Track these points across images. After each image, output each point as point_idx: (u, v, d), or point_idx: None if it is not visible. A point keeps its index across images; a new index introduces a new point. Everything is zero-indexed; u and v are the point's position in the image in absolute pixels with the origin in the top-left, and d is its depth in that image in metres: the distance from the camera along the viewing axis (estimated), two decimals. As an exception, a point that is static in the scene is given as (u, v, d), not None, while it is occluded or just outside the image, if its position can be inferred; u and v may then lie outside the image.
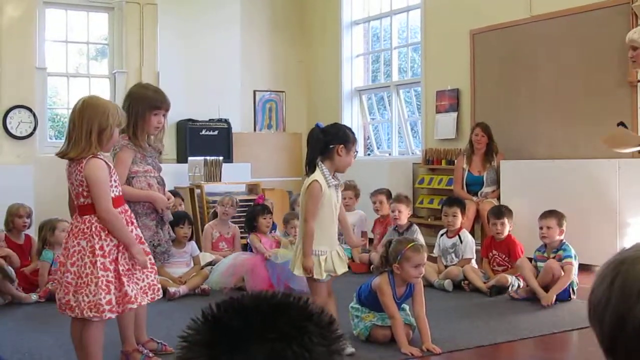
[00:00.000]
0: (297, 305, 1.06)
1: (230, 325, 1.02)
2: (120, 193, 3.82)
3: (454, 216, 6.91)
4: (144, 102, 4.31)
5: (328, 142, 4.47)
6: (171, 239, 4.66)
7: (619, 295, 1.27)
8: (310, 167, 4.50)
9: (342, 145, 4.47)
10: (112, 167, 3.78)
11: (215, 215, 7.71)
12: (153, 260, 3.98)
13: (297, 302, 1.07)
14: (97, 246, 3.64)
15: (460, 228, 6.96)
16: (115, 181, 3.77)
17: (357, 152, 4.70)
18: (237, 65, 11.14)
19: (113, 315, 3.68)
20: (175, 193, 8.04)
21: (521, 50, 8.52)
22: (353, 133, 4.63)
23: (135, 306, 3.76)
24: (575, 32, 7.93)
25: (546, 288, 5.94)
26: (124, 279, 3.67)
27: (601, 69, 7.71)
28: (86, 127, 3.64)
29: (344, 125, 4.75)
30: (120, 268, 3.68)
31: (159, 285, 3.94)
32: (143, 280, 3.81)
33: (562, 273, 5.94)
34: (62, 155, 3.72)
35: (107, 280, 3.63)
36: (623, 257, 1.32)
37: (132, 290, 3.69)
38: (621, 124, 6.60)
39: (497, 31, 8.79)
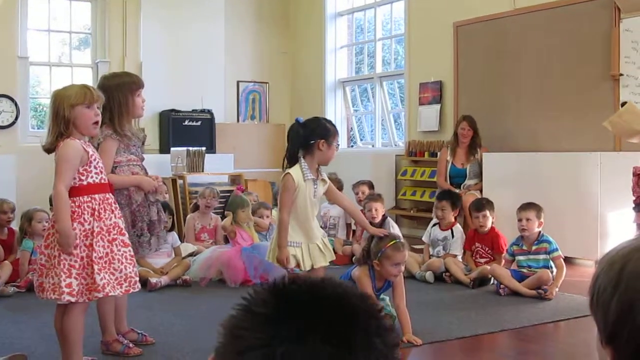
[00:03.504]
0: (370, 314, 0.99)
1: (299, 311, 0.95)
2: (102, 180, 3.81)
3: (443, 210, 6.92)
4: (123, 88, 4.30)
5: (308, 137, 4.47)
6: (163, 222, 4.62)
7: (629, 281, 1.22)
8: (290, 162, 4.50)
9: (322, 140, 4.47)
10: (91, 152, 3.75)
11: (196, 207, 7.68)
12: (132, 252, 3.95)
13: (371, 310, 1.00)
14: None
15: (454, 223, 6.97)
16: (95, 167, 3.76)
17: (338, 144, 4.69)
18: (221, 56, 11.10)
19: (72, 299, 3.63)
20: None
21: (505, 43, 8.53)
22: (334, 126, 4.63)
23: (101, 295, 3.69)
24: (558, 25, 7.95)
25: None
26: (95, 267, 3.64)
27: (584, 62, 7.73)
28: (55, 115, 3.68)
29: (324, 119, 4.74)
30: (94, 255, 3.65)
31: (137, 279, 3.88)
32: (120, 271, 3.76)
33: (554, 271, 5.95)
34: (45, 150, 3.78)
35: (69, 264, 3.62)
36: (635, 246, 1.28)
37: (101, 279, 3.64)
38: (626, 103, 6.64)
39: (480, 23, 8.80)
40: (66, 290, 3.60)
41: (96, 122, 3.77)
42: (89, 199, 3.72)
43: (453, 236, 6.85)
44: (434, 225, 7.05)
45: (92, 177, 3.73)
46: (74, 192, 3.70)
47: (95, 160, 3.77)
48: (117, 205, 3.93)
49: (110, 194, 3.88)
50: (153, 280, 6.16)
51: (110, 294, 3.73)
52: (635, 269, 1.23)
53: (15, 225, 6.73)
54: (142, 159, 4.46)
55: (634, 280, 1.22)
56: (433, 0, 9.48)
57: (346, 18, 11.38)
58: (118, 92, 4.28)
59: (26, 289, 6.01)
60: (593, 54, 7.63)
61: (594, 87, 7.63)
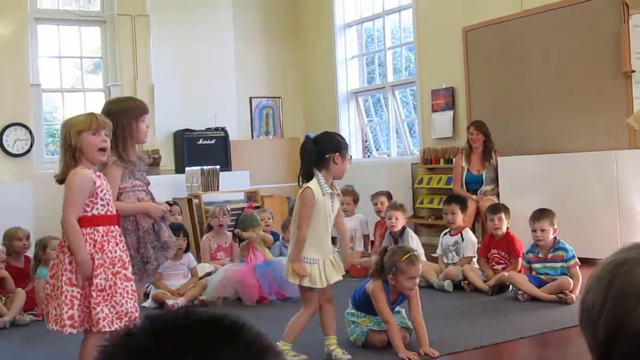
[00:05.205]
0: (212, 328, 0.97)
1: (142, 348, 0.94)
2: (109, 212, 3.78)
3: (453, 214, 6.89)
4: (128, 113, 4.28)
5: (322, 152, 4.44)
6: (173, 242, 4.58)
7: (616, 298, 1.17)
8: (305, 178, 4.47)
9: (337, 154, 4.45)
10: (99, 184, 3.74)
11: (210, 228, 7.67)
12: (135, 287, 3.90)
13: (214, 323, 0.98)
14: (67, 260, 3.65)
15: (464, 227, 6.92)
16: (102, 199, 3.74)
17: (351, 156, 4.67)
18: (232, 72, 11.11)
19: (74, 331, 3.64)
20: (172, 203, 8.02)
21: (514, 45, 8.47)
22: (344, 138, 4.63)
23: (94, 330, 3.62)
24: (567, 24, 7.88)
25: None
26: (92, 300, 3.62)
27: (595, 60, 7.66)
28: (64, 145, 3.70)
29: (335, 133, 4.73)
30: (92, 287, 3.63)
31: (137, 315, 3.80)
32: (122, 305, 3.71)
33: (571, 281, 5.88)
34: (57, 180, 3.79)
35: (71, 295, 3.62)
36: (623, 258, 1.22)
37: (97, 314, 3.61)
38: None
39: (489, 27, 8.75)
40: (68, 322, 3.61)
41: (103, 149, 3.76)
42: (92, 230, 3.71)
43: (463, 239, 6.79)
44: (445, 234, 7.00)
45: (97, 209, 3.72)
46: (79, 222, 3.68)
47: (102, 191, 3.74)
48: (122, 239, 3.89)
49: (116, 227, 3.85)
50: (170, 302, 6.14)
51: (104, 330, 3.63)
52: (620, 284, 1.18)
53: (30, 253, 6.74)
54: (148, 183, 4.43)
55: (620, 297, 1.17)
56: (440, 6, 9.43)
57: (355, 28, 11.35)
58: (122, 117, 4.26)
59: (43, 317, 6.00)
60: (603, 52, 7.55)
61: (606, 85, 7.55)
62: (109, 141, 3.80)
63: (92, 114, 3.82)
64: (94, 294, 3.63)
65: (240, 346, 0.95)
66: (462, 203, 7.06)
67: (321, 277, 4.42)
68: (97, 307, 3.63)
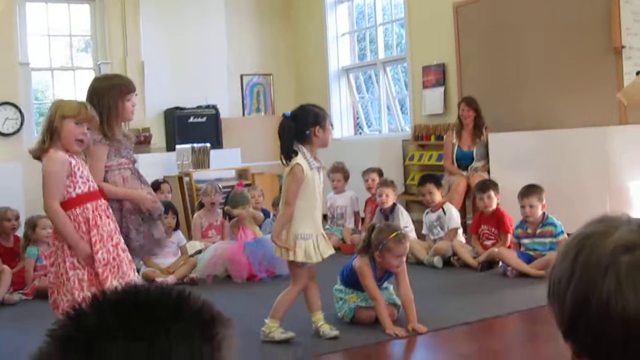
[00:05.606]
0: (159, 301, 0.98)
1: (86, 323, 0.95)
2: (91, 188, 3.79)
3: (430, 193, 6.92)
4: (113, 91, 4.26)
5: (302, 128, 4.41)
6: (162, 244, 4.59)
7: (583, 270, 1.16)
8: (287, 158, 4.45)
9: (317, 127, 4.42)
10: (74, 162, 3.73)
11: (201, 205, 7.66)
12: (130, 257, 3.93)
13: (161, 297, 0.99)
14: (65, 246, 3.64)
15: (443, 202, 6.95)
16: (81, 177, 3.74)
17: (332, 125, 4.65)
18: (223, 50, 11.05)
19: None
20: (162, 181, 8.02)
21: (505, 21, 8.44)
22: (321, 109, 4.57)
23: None
24: (558, 0, 7.85)
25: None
26: (100, 276, 3.64)
27: (586, 36, 7.63)
28: (47, 123, 3.72)
29: (311, 106, 4.61)
30: (96, 263, 3.65)
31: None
32: (129, 276, 3.77)
33: None
34: (31, 154, 3.83)
35: (78, 278, 3.61)
36: (589, 232, 1.21)
37: (109, 287, 3.63)
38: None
39: (480, 3, 8.71)
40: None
41: (80, 140, 3.75)
42: (82, 209, 3.71)
43: (445, 213, 6.82)
44: (427, 214, 7.04)
45: (79, 187, 3.72)
46: (65, 206, 3.69)
47: (79, 169, 3.74)
48: (110, 211, 3.90)
49: (103, 200, 3.86)
50: (159, 279, 6.15)
51: None
52: (587, 257, 1.18)
53: (20, 233, 6.73)
54: (134, 161, 4.41)
55: (587, 269, 1.17)
56: (431, -18, 9.38)
57: (346, 5, 11.28)
58: (108, 95, 4.24)
59: (33, 296, 6.01)
60: (594, 28, 7.53)
61: (596, 61, 7.53)
62: (88, 135, 3.79)
63: (83, 105, 3.84)
64: (99, 270, 3.65)
65: (187, 318, 0.95)
66: (436, 180, 7.08)
67: (316, 252, 4.42)
68: (107, 282, 3.65)
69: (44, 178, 3.67)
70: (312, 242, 4.42)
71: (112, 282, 3.65)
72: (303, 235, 4.40)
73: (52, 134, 3.68)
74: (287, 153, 4.45)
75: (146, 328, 0.93)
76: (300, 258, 4.38)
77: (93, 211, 3.73)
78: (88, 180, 3.78)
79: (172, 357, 0.92)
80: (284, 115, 4.54)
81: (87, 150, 4.04)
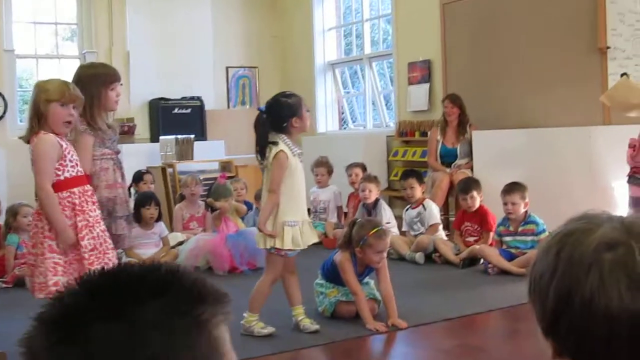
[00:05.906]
0: (144, 278, 0.95)
1: (70, 304, 0.94)
2: (79, 173, 3.79)
3: (412, 188, 6.97)
4: (97, 80, 4.24)
5: (279, 121, 4.40)
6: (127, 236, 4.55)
7: (566, 265, 1.16)
8: (261, 153, 4.43)
9: (294, 117, 4.41)
10: (65, 146, 3.73)
11: (182, 197, 7.64)
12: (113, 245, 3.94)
13: (147, 273, 0.96)
14: (46, 227, 3.64)
15: (423, 198, 6.97)
16: (71, 161, 3.74)
17: (308, 110, 4.63)
18: (209, 42, 11.02)
19: None
20: (145, 172, 8.00)
21: (491, 20, 8.45)
22: (295, 96, 4.53)
23: None
24: (544, -1, 7.88)
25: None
26: (86, 262, 3.63)
27: (571, 36, 7.65)
28: (32, 108, 3.73)
29: (282, 96, 4.55)
30: (82, 249, 3.64)
31: None
32: (113, 262, 3.76)
33: None
34: (25, 141, 3.81)
35: (54, 262, 3.60)
36: (571, 229, 1.21)
37: None
38: (625, 74, 6.57)
39: (467, 1, 8.72)
40: (53, 289, 3.57)
41: (68, 122, 3.74)
42: (68, 194, 3.71)
43: (425, 209, 6.84)
44: (407, 210, 7.06)
45: (68, 171, 3.72)
46: (53, 188, 3.68)
47: (69, 153, 3.75)
48: (95, 198, 3.90)
49: (89, 186, 3.86)
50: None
51: None
52: (570, 253, 1.18)
53: (1, 221, 6.70)
54: (118, 152, 4.40)
55: (570, 266, 1.17)
56: (419, -22, 9.39)
57: (333, 0, 11.27)
58: (92, 83, 4.22)
59: (13, 284, 5.98)
60: (580, 28, 7.55)
61: (581, 61, 7.55)
62: (76, 115, 3.78)
63: (65, 84, 3.82)
64: (85, 255, 3.65)
65: (173, 294, 0.93)
66: (418, 176, 7.13)
67: (302, 239, 4.42)
68: (92, 268, 3.61)
69: (34, 159, 3.67)
70: (299, 229, 4.42)
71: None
72: (290, 223, 4.39)
73: (39, 119, 3.69)
74: (262, 149, 4.43)
75: (126, 306, 0.91)
76: (287, 245, 4.37)
77: (80, 196, 3.74)
78: (77, 165, 3.79)
79: (153, 333, 0.89)
80: (259, 109, 4.52)
81: (75, 141, 4.03)
